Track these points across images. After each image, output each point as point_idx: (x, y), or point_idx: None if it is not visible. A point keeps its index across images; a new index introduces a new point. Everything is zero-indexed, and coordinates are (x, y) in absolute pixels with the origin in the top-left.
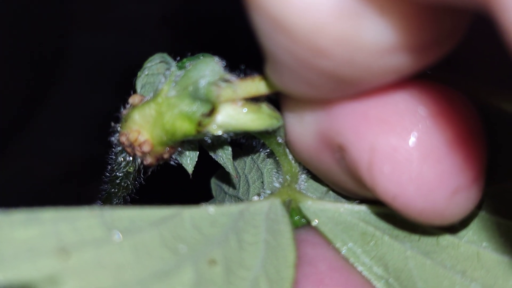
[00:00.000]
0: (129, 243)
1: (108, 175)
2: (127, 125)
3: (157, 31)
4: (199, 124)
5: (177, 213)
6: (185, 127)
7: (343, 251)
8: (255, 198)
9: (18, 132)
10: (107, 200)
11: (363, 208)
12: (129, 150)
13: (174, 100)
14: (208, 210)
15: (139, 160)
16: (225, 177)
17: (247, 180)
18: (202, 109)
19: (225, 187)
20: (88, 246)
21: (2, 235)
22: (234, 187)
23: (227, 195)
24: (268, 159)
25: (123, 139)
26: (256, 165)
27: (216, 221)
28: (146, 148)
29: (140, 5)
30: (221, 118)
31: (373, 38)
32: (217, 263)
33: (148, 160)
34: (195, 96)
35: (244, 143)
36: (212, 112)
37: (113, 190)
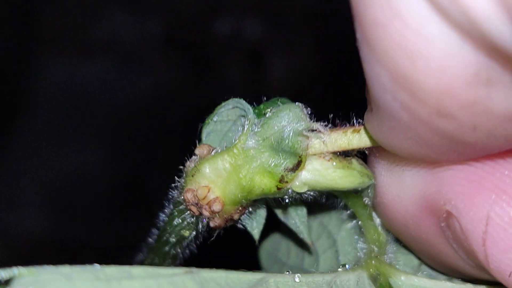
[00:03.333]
0: None
1: (152, 243)
2: (195, 180)
3: (156, 56)
4: (281, 180)
5: (264, 278)
6: (264, 183)
7: None
8: (340, 269)
9: None
10: None
11: None
12: (194, 209)
13: (253, 152)
14: (295, 278)
15: (204, 222)
16: (281, 244)
17: (314, 248)
18: (286, 162)
19: (283, 256)
20: None
21: None
22: (296, 256)
23: (285, 266)
24: (344, 224)
25: (188, 196)
26: (326, 231)
27: None
28: (216, 207)
29: (135, 24)
30: (307, 174)
31: (504, 105)
32: None
33: (216, 222)
34: (278, 148)
35: (324, 203)
36: (297, 166)
37: (155, 260)
